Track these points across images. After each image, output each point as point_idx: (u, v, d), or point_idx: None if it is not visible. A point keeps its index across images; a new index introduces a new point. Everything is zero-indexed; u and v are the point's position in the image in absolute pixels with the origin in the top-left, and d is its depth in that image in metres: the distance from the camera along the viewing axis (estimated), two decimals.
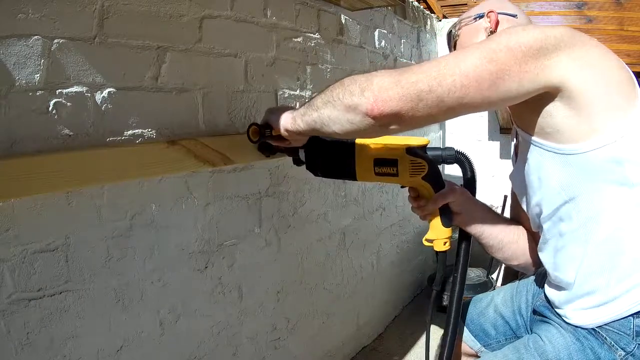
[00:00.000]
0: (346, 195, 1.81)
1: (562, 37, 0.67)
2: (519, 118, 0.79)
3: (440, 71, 0.66)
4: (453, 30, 1.01)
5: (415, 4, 2.46)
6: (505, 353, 0.88)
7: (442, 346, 1.00)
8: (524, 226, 1.01)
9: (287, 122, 0.89)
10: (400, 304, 2.42)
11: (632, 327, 0.73)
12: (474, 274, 2.39)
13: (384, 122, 0.69)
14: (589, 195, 0.73)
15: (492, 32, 0.93)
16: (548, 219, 0.81)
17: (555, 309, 0.86)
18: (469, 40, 0.97)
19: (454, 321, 0.98)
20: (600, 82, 0.68)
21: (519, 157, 0.87)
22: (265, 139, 0.99)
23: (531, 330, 0.98)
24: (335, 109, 0.73)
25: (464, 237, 0.98)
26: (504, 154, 2.75)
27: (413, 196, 0.94)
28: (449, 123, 2.90)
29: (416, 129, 0.76)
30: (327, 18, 1.61)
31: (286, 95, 1.42)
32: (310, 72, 1.53)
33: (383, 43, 2.05)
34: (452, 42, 1.02)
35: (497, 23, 0.93)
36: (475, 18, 0.97)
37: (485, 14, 0.95)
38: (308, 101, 0.83)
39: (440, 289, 0.98)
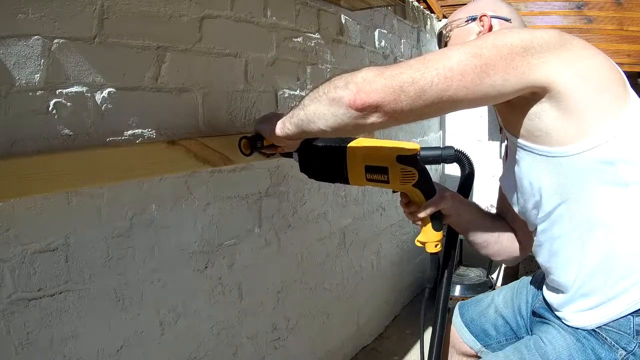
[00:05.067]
0: (346, 195, 1.81)
1: (550, 38, 0.66)
2: (507, 122, 0.78)
3: (425, 64, 0.66)
4: (444, 32, 0.99)
5: (415, 4, 2.46)
6: (507, 354, 0.88)
7: (430, 345, 1.02)
8: (509, 222, 1.04)
9: (278, 128, 0.89)
10: (400, 304, 2.42)
11: (631, 326, 0.73)
12: (474, 274, 2.39)
13: (366, 114, 0.68)
14: (583, 197, 0.73)
15: None
16: (542, 222, 0.81)
17: (555, 312, 0.86)
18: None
19: (441, 320, 1.01)
20: (590, 83, 0.67)
21: (509, 161, 0.87)
22: (257, 150, 1.01)
23: (531, 331, 0.98)
24: (321, 104, 0.74)
25: (452, 237, 1.01)
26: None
27: (405, 202, 0.95)
28: (449, 123, 2.90)
29: (401, 124, 0.75)
30: (327, 18, 1.61)
31: (286, 95, 1.42)
32: (310, 72, 1.53)
33: (383, 43, 2.05)
34: (443, 43, 1.00)
35: (491, 28, 0.91)
36: (467, 20, 0.94)
37: (478, 18, 0.92)
38: (296, 104, 0.84)
39: (432, 287, 1.00)
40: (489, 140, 2.78)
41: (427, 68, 0.65)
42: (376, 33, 2.00)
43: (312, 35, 1.53)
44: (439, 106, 0.67)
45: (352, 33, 1.79)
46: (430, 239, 0.93)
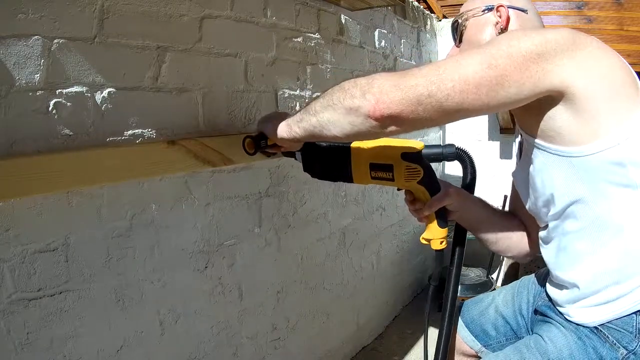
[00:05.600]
0: (346, 195, 1.81)
1: (563, 40, 0.66)
2: (522, 121, 0.79)
3: (440, 76, 0.66)
4: (459, 20, 0.96)
5: (415, 4, 2.46)
6: (507, 354, 0.88)
7: (437, 347, 1.01)
8: (521, 219, 1.03)
9: (283, 130, 0.89)
10: (400, 303, 2.42)
11: (634, 324, 0.74)
12: (474, 273, 2.39)
13: (385, 124, 0.70)
14: (594, 197, 0.73)
15: (502, 30, 0.89)
16: (553, 219, 0.81)
17: (558, 308, 0.86)
18: (476, 34, 0.93)
19: (448, 321, 1.00)
20: (604, 85, 0.67)
21: (522, 157, 0.87)
22: (261, 149, 1.01)
23: (532, 331, 0.98)
24: (336, 112, 0.74)
25: (460, 236, 1.00)
26: (504, 154, 2.74)
27: (409, 199, 0.95)
28: (449, 123, 2.90)
29: (417, 130, 0.76)
30: (327, 18, 1.61)
31: (286, 95, 1.42)
32: (310, 72, 1.53)
33: (383, 43, 2.05)
34: (458, 32, 0.97)
35: (508, 19, 0.89)
36: (484, 10, 0.91)
37: (495, 8, 0.90)
38: (302, 108, 0.84)
39: (437, 284, 1.00)
40: (489, 140, 2.78)
41: (443, 80, 0.66)
42: (376, 33, 2.00)
43: (312, 35, 1.53)
44: (454, 116, 0.69)
45: (352, 33, 1.79)
46: (436, 235, 0.93)
